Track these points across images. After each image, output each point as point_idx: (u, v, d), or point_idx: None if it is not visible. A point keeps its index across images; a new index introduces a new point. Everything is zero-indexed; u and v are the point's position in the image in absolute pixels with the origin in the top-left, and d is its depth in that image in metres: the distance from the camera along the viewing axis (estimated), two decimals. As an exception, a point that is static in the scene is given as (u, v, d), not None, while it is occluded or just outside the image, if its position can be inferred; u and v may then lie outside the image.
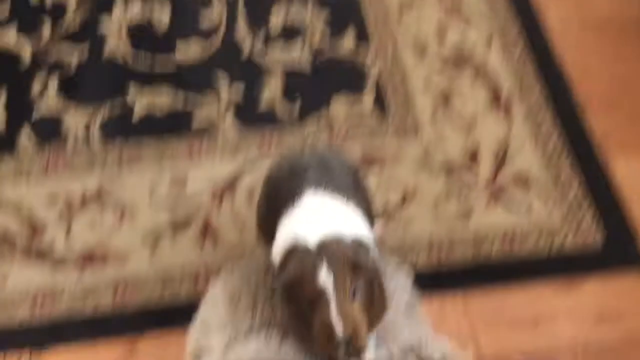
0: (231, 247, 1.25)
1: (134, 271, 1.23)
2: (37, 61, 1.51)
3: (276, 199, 0.95)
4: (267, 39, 1.56)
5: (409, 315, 1.05)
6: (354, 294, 0.78)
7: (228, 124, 1.42)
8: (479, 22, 1.61)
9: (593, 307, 1.23)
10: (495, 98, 1.48)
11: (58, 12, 1.59)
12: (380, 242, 1.08)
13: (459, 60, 1.54)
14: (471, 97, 1.48)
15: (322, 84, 1.50)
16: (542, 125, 1.45)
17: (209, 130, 1.41)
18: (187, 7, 1.61)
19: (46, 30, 1.56)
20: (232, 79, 1.49)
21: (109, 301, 1.19)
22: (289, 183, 0.94)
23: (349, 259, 0.79)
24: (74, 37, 1.55)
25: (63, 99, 1.45)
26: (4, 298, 1.19)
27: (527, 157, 1.40)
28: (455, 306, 1.21)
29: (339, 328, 0.73)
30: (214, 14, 1.60)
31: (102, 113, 1.43)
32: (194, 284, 1.21)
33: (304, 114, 1.44)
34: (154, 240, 1.26)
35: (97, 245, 1.25)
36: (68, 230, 1.27)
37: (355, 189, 0.97)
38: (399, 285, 0.96)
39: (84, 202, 1.30)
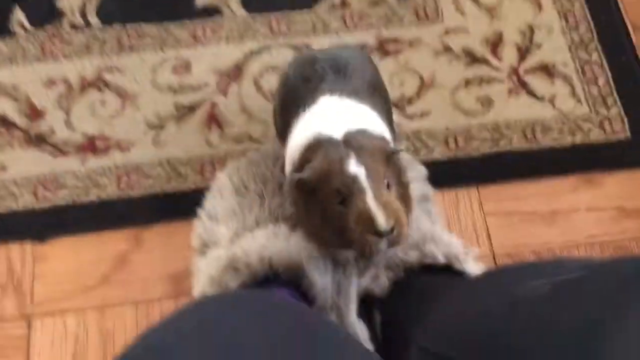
0: (237, 135, 1.21)
1: (138, 159, 1.19)
2: None
3: (291, 103, 0.91)
4: None
5: (422, 209, 1.03)
6: (387, 185, 0.75)
7: (234, 6, 1.33)
8: None
9: (614, 203, 1.19)
10: (523, -20, 1.37)
11: None
12: (396, 134, 1.03)
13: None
14: (497, -21, 1.37)
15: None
16: (572, 13, 1.35)
17: (213, 14, 1.32)
18: None
19: None
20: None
21: (114, 190, 1.16)
22: (306, 86, 0.90)
23: (379, 148, 0.76)
24: None
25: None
26: (4, 186, 1.16)
27: (553, 47, 1.31)
28: (470, 201, 1.18)
29: (380, 218, 0.70)
30: None
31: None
32: (200, 173, 1.17)
33: (315, -4, 1.34)
34: (158, 127, 1.21)
35: (98, 132, 1.21)
36: (67, 117, 1.22)
37: (372, 92, 0.92)
38: (412, 178, 0.94)
39: (83, 87, 1.24)
